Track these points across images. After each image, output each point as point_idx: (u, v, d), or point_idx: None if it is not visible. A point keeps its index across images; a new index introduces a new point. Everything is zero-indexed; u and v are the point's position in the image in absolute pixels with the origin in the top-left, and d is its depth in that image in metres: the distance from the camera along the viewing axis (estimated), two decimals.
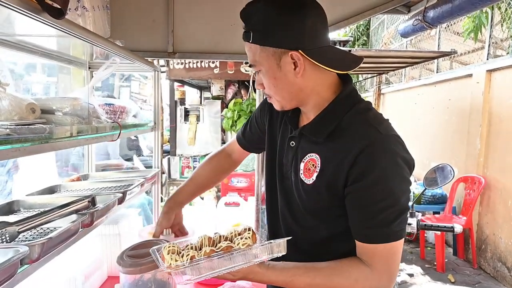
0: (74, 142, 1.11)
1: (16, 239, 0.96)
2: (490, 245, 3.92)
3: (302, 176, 0.99)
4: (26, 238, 1.02)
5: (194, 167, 4.02)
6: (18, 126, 0.92)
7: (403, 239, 0.93)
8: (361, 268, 0.92)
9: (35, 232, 1.05)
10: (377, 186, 0.88)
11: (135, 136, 4.57)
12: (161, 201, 2.19)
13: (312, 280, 0.93)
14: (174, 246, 0.92)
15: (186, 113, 4.61)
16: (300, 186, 1.00)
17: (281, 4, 0.91)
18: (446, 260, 4.01)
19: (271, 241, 0.94)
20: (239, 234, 0.96)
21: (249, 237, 0.93)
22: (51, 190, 1.52)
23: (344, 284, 0.92)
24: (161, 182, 1.93)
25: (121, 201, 1.36)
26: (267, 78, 0.96)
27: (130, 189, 1.43)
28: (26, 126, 0.94)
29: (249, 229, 0.96)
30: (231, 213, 2.14)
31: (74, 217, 1.08)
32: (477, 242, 4.05)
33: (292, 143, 1.05)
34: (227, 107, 3.52)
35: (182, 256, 0.88)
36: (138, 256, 1.30)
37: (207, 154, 4.03)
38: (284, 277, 0.93)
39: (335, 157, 0.93)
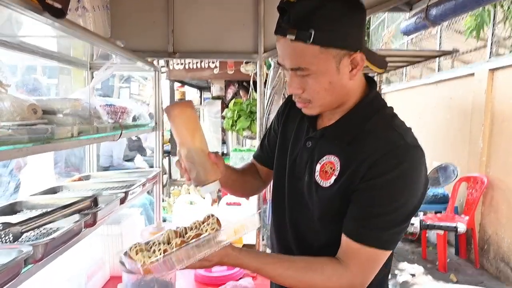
0: (75, 143, 1.11)
1: (20, 239, 0.96)
2: (493, 245, 3.91)
3: (317, 178, 0.97)
4: (30, 238, 1.02)
5: None
6: (20, 127, 0.92)
7: (389, 253, 0.92)
8: (336, 267, 0.91)
9: (38, 233, 1.05)
10: (390, 189, 0.87)
11: (137, 137, 4.58)
12: (163, 201, 2.20)
13: (284, 271, 0.93)
14: (140, 246, 0.90)
15: None
16: (314, 188, 0.98)
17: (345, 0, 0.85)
18: (448, 260, 3.99)
19: (242, 218, 0.94)
20: (203, 223, 0.95)
21: (214, 222, 0.93)
22: (53, 191, 1.52)
23: (316, 279, 0.92)
24: (162, 182, 1.93)
25: (123, 201, 1.36)
26: (318, 83, 0.88)
27: (132, 189, 1.43)
28: (28, 127, 0.94)
29: (212, 216, 0.96)
30: (232, 213, 2.14)
31: (76, 217, 1.08)
32: (479, 242, 4.04)
33: (309, 144, 1.02)
34: (227, 107, 3.53)
35: (153, 252, 0.87)
36: None
37: None
38: (257, 263, 0.93)
39: (356, 160, 0.91)
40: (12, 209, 1.28)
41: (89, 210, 1.12)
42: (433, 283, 3.64)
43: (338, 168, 0.94)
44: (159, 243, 0.92)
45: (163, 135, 2.03)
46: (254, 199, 2.15)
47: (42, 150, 0.95)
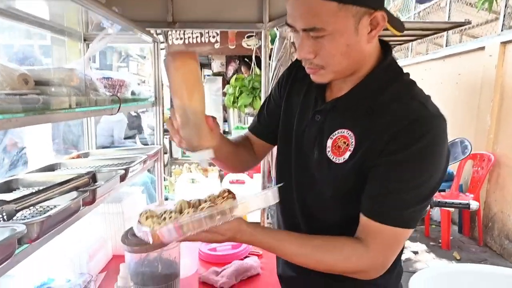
0: (71, 115, 1.04)
1: (14, 218, 0.90)
2: (498, 222, 3.88)
3: (329, 154, 0.90)
4: (25, 216, 0.96)
5: None
6: (9, 96, 0.85)
7: (411, 231, 0.86)
8: (355, 246, 0.86)
9: (34, 211, 0.99)
10: (411, 164, 0.80)
11: (137, 114, 4.50)
12: (164, 180, 2.14)
13: (299, 249, 0.87)
14: (151, 212, 0.85)
15: None
16: (326, 164, 0.91)
17: None
18: (451, 237, 3.98)
19: (258, 194, 0.88)
20: (218, 197, 0.89)
21: (230, 197, 0.86)
22: (50, 168, 1.46)
23: (334, 259, 0.87)
24: (164, 160, 1.86)
25: (123, 178, 1.30)
26: (334, 45, 0.80)
27: (133, 166, 1.36)
28: (19, 96, 0.87)
29: (228, 190, 0.89)
30: (236, 191, 2.07)
31: (74, 194, 1.02)
32: (483, 220, 4.02)
33: (318, 117, 0.95)
34: (228, 84, 3.43)
35: (164, 220, 0.81)
36: None
37: None
38: (271, 240, 0.87)
39: (374, 133, 0.84)
40: (8, 187, 1.22)
41: (87, 187, 1.06)
42: (436, 261, 3.64)
43: (353, 143, 0.87)
44: (171, 212, 0.86)
45: (163, 112, 1.94)
46: (258, 176, 2.09)
47: (36, 122, 0.87)
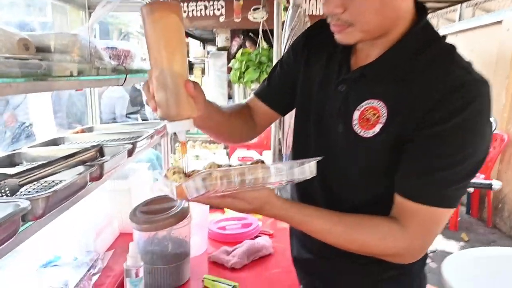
0: (75, 83, 0.96)
1: (17, 193, 0.84)
2: (508, 203, 3.83)
3: (356, 127, 0.83)
4: (29, 192, 0.90)
5: None
6: (8, 60, 0.77)
7: (452, 211, 0.79)
8: (392, 227, 0.79)
9: (38, 186, 0.93)
10: (456, 135, 0.72)
11: (139, 90, 4.40)
12: (174, 153, 2.07)
13: (331, 227, 0.81)
14: (179, 169, 0.78)
15: (190, 67, 4.38)
16: (352, 139, 0.83)
17: None
18: (458, 218, 3.94)
19: (297, 161, 0.80)
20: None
21: (264, 167, 0.78)
22: (54, 143, 1.39)
23: (368, 239, 0.80)
24: (172, 134, 1.79)
25: (131, 153, 1.23)
26: (367, 0, 0.73)
27: (140, 140, 1.29)
28: (19, 60, 0.79)
29: (261, 161, 0.81)
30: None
31: (81, 169, 0.95)
32: (493, 201, 3.97)
33: (342, 87, 0.86)
34: (234, 58, 3.31)
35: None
36: (151, 212, 1.19)
37: None
38: (302, 216, 0.81)
39: (410, 103, 0.76)
40: (10, 161, 1.15)
41: (94, 162, 0.99)
42: (443, 242, 3.61)
43: (385, 114, 0.79)
44: (200, 172, 0.78)
45: None
46: (268, 154, 2.02)
47: (36, 89, 0.80)
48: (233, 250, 1.44)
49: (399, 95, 0.78)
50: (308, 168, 0.80)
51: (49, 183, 0.94)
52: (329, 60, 0.93)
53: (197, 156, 2.20)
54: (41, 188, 0.91)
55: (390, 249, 0.80)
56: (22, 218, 0.71)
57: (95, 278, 1.14)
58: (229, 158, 2.11)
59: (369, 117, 0.81)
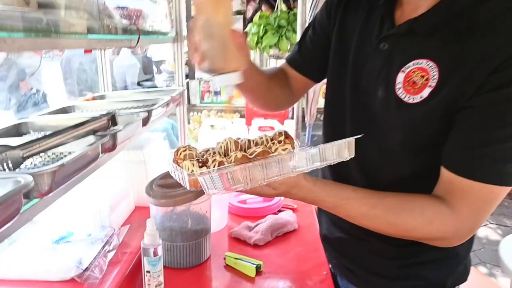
0: (82, 42, 0.85)
1: (22, 167, 0.75)
2: None
3: (400, 91, 0.72)
4: (35, 165, 0.80)
5: (215, 92, 3.74)
6: (7, 11, 0.66)
7: (509, 189, 0.68)
8: (439, 207, 0.69)
9: (45, 158, 0.84)
10: None
11: (149, 58, 4.29)
12: (188, 123, 1.98)
13: (370, 209, 0.72)
14: (191, 150, 0.70)
15: None
16: (394, 105, 0.73)
17: None
18: None
19: (330, 143, 0.70)
20: (271, 140, 0.73)
21: (288, 142, 0.70)
22: (63, 111, 1.30)
23: (411, 223, 0.71)
24: (187, 104, 1.68)
25: (145, 122, 1.13)
26: None
27: (156, 108, 1.19)
28: (18, 12, 0.67)
29: (285, 134, 0.72)
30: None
31: (91, 139, 0.86)
32: None
33: (384, 45, 0.76)
34: (251, 22, 3.13)
35: (206, 162, 0.66)
36: (169, 186, 1.10)
37: None
38: (335, 198, 0.72)
39: (468, 62, 0.64)
40: (17, 130, 1.07)
41: (107, 131, 0.89)
42: None
43: (436, 77, 0.68)
44: (214, 153, 0.70)
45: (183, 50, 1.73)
46: (290, 123, 1.90)
47: (37, 46, 0.69)
48: (255, 226, 1.36)
49: (455, 53, 0.66)
50: (345, 149, 0.70)
51: (57, 155, 0.84)
52: (369, 15, 0.81)
53: (212, 125, 2.09)
54: (48, 161, 0.81)
55: (435, 233, 0.71)
56: (26, 195, 0.62)
57: (110, 255, 1.07)
58: (248, 129, 2.00)
59: (416, 80, 0.71)
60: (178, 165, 0.68)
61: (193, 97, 3.74)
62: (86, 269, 0.98)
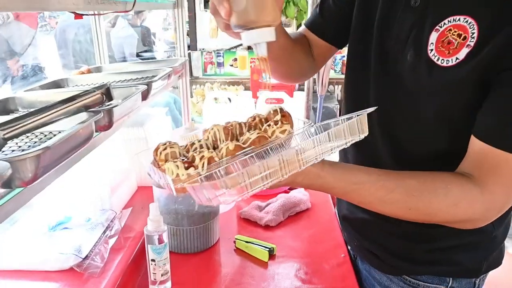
0: (69, 3, 0.73)
1: (4, 150, 0.65)
2: None
3: (432, 53, 0.65)
4: (20, 147, 0.71)
5: (218, 63, 3.59)
6: None
7: None
8: (466, 187, 0.61)
9: (32, 139, 0.74)
10: None
11: (147, 29, 4.12)
12: (191, 96, 1.86)
13: (387, 194, 0.63)
14: (172, 147, 0.58)
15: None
16: (426, 69, 0.65)
17: None
18: None
19: (337, 118, 0.61)
20: (266, 120, 0.62)
21: (286, 122, 0.59)
22: (56, 85, 1.19)
23: (437, 206, 0.63)
24: (189, 75, 1.57)
25: (145, 95, 1.02)
26: None
27: (156, 80, 1.08)
28: None
29: (281, 110, 0.61)
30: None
31: (84, 116, 0.75)
32: None
33: (416, 2, 0.68)
34: None
35: (192, 161, 0.55)
36: None
37: (232, 48, 3.59)
38: (346, 183, 0.63)
39: (511, 20, 0.58)
40: (4, 107, 0.96)
41: (101, 107, 0.79)
42: None
43: (475, 36, 0.61)
44: (201, 147, 0.58)
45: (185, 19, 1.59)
46: (300, 95, 1.78)
47: (16, 6, 0.57)
48: (266, 206, 1.28)
49: (497, 9, 0.60)
50: (358, 124, 0.59)
51: (45, 135, 0.75)
52: None
53: (215, 98, 1.98)
54: (36, 142, 0.72)
55: (462, 215, 0.64)
56: (7, 184, 0.53)
57: (112, 241, 1.00)
58: (255, 102, 1.89)
59: (452, 39, 0.63)
60: (160, 169, 0.56)
61: (196, 69, 3.59)
62: (86, 257, 0.90)
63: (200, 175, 0.50)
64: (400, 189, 0.63)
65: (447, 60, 0.64)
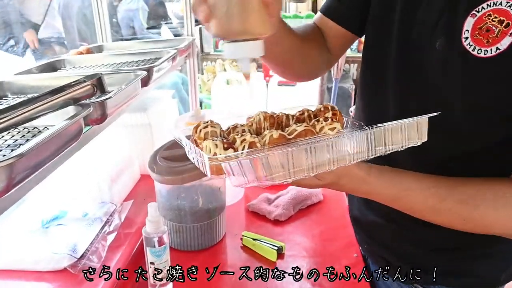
0: None
1: None
2: None
3: (467, 42, 0.56)
4: None
5: None
6: None
7: None
8: None
9: (13, 136, 0.67)
10: None
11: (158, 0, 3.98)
12: (202, 73, 1.77)
13: (439, 202, 0.58)
14: (214, 126, 0.55)
15: None
16: (461, 60, 0.57)
17: None
18: None
19: (395, 122, 0.55)
20: (315, 116, 0.60)
21: (336, 121, 0.55)
22: (51, 67, 1.11)
23: (494, 217, 0.57)
24: (197, 55, 1.47)
25: (146, 81, 0.94)
26: None
27: (158, 65, 0.99)
28: None
29: (332, 108, 0.59)
30: (285, 95, 1.70)
31: (71, 110, 0.67)
32: None
33: None
34: None
35: (232, 145, 0.51)
36: (176, 159, 0.94)
37: None
38: (395, 190, 0.59)
39: None
40: None
41: (91, 99, 0.71)
42: None
43: None
44: (244, 132, 0.55)
45: None
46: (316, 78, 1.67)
47: None
48: (275, 198, 1.21)
49: None
50: (419, 128, 0.54)
51: (30, 131, 0.67)
52: None
53: (227, 80, 1.88)
54: (16, 140, 0.64)
55: None
56: None
57: (111, 237, 0.94)
58: (267, 83, 1.79)
59: (492, 27, 0.55)
60: (197, 146, 0.53)
61: (207, 44, 3.46)
62: (82, 257, 0.84)
63: (238, 158, 0.46)
64: (453, 197, 0.58)
65: (485, 50, 0.56)
